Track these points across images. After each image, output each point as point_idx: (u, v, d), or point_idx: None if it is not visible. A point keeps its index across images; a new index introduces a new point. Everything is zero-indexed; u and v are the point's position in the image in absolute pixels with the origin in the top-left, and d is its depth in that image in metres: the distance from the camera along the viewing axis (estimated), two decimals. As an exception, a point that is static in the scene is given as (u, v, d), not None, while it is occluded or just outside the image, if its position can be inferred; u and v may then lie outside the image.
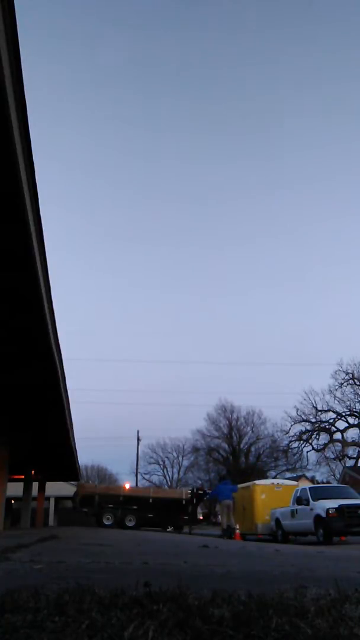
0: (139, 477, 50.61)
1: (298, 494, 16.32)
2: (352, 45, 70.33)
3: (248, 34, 71.59)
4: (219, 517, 26.16)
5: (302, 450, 44.87)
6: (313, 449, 44.22)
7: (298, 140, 78.56)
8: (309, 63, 74.03)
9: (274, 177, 79.93)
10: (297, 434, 44.19)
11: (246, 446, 50.89)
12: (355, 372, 42.12)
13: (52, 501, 42.25)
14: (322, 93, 73.89)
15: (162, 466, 60.63)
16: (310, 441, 44.08)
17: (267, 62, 73.83)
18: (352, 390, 42.28)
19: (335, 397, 42.87)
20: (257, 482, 21.50)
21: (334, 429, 43.50)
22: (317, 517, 14.09)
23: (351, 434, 42.91)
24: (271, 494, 19.78)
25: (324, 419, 43.73)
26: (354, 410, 42.32)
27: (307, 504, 15.01)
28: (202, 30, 73.12)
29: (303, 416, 44.00)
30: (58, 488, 38.84)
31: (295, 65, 74.33)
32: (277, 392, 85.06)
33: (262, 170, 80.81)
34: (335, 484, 37.69)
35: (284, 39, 71.85)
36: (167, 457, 60.68)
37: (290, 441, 44.62)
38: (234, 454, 50.44)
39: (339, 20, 68.19)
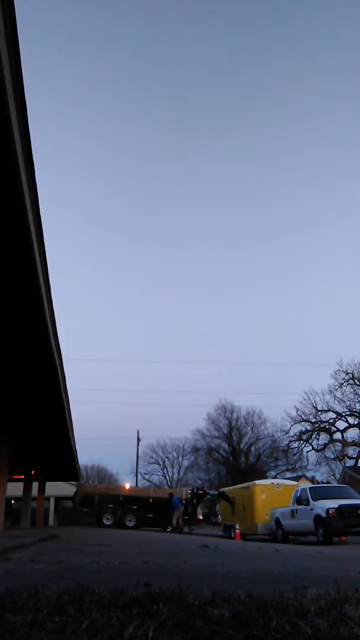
0: (139, 477, 50.60)
1: (298, 494, 16.32)
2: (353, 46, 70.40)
3: (250, 35, 71.68)
4: (219, 517, 26.45)
5: (302, 450, 44.86)
6: (313, 449, 44.20)
7: (298, 144, 78.63)
8: (311, 65, 74.09)
9: (275, 178, 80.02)
10: (297, 434, 44.15)
11: (246, 446, 50.87)
12: (355, 372, 42.07)
13: (52, 501, 42.25)
14: (325, 95, 73.97)
15: (162, 466, 60.63)
16: (310, 441, 44.04)
17: (271, 63, 73.90)
18: (352, 390, 42.23)
19: (335, 397, 42.83)
20: (257, 482, 21.49)
21: (334, 429, 43.46)
22: (317, 517, 14.09)
23: (351, 434, 42.90)
24: (271, 494, 19.78)
25: (324, 419, 43.69)
26: (354, 410, 42.28)
27: (307, 504, 15.01)
28: (204, 29, 73.17)
29: (303, 416, 43.98)
30: (58, 488, 38.84)
31: (297, 67, 74.39)
32: (277, 392, 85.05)
33: (264, 172, 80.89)
34: (335, 484, 37.70)
35: (286, 40, 71.90)
36: (167, 457, 60.68)
37: (290, 441, 44.60)
38: (234, 454, 50.41)
39: (338, 21, 68.27)
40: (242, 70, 74.91)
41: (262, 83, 75.73)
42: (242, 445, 50.69)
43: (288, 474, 46.31)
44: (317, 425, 43.76)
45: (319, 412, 43.46)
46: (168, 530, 24.18)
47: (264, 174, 79.73)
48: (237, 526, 20.31)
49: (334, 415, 43.18)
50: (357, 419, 42.34)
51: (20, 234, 6.07)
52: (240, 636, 1.76)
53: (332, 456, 43.90)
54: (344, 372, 42.20)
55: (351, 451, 42.99)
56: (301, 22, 69.94)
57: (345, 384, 42.32)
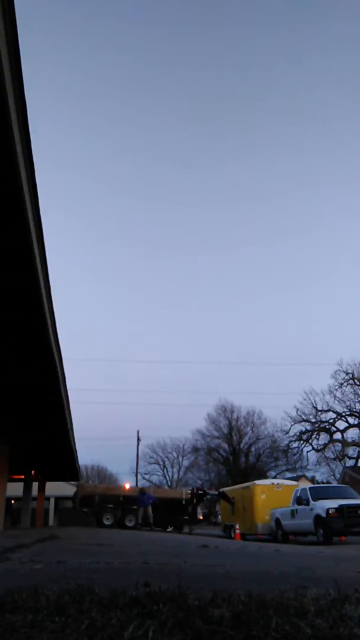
0: (139, 477, 50.57)
1: (298, 494, 16.32)
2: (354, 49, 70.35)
3: (250, 39, 71.64)
4: (219, 517, 26.30)
5: (302, 450, 44.83)
6: (313, 449, 44.16)
7: (298, 144, 78.61)
8: (312, 67, 74.07)
9: (277, 180, 80.00)
10: (297, 434, 44.13)
11: (246, 446, 50.86)
12: (355, 372, 42.03)
13: (52, 501, 42.23)
14: (326, 96, 73.95)
15: (162, 466, 60.61)
16: (310, 441, 44.01)
17: (276, 64, 73.87)
18: (352, 390, 42.20)
19: (335, 397, 42.80)
20: (257, 482, 21.49)
21: (334, 429, 43.43)
22: (317, 517, 14.09)
23: (351, 434, 42.87)
24: (271, 494, 19.78)
25: (324, 419, 43.67)
26: (354, 410, 42.25)
27: (307, 504, 15.01)
28: (204, 32, 73.16)
29: (303, 416, 43.95)
30: (58, 488, 38.81)
31: (298, 68, 74.38)
32: (277, 392, 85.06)
33: (265, 174, 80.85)
34: (335, 484, 37.69)
35: (286, 42, 71.90)
36: (167, 457, 60.67)
37: (290, 441, 44.57)
38: (234, 454, 50.39)
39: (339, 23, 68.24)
40: (246, 71, 74.94)
41: (266, 85, 75.77)
42: (242, 445, 50.69)
43: (288, 474, 46.33)
44: (317, 425, 43.74)
45: (319, 412, 43.46)
46: (168, 530, 24.18)
47: (265, 177, 79.76)
48: (237, 526, 20.31)
49: (334, 415, 43.19)
50: (357, 419, 42.32)
51: (21, 234, 6.08)
52: (240, 636, 1.77)
53: (332, 456, 43.92)
54: (344, 372, 42.22)
55: (351, 451, 42.97)
56: (306, 24, 69.98)
57: (345, 384, 42.32)
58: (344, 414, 42.73)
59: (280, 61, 72.90)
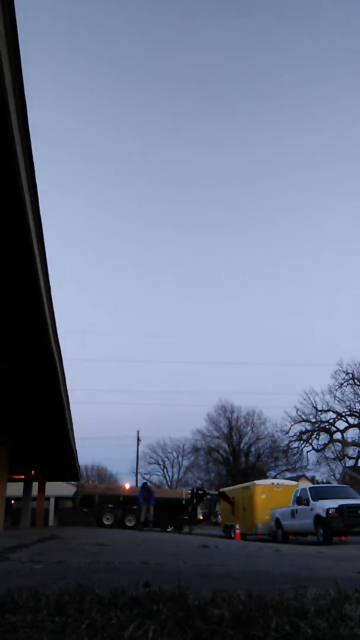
0: (139, 477, 50.58)
1: (298, 494, 16.32)
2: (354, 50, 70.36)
3: (252, 18, 71.66)
4: (219, 517, 26.21)
5: (302, 450, 44.80)
6: (313, 449, 44.14)
7: (301, 140, 78.64)
8: (312, 67, 74.07)
9: (278, 179, 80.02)
10: (297, 434, 44.11)
11: (246, 446, 50.86)
12: (355, 372, 42.00)
13: (52, 501, 42.25)
14: (326, 90, 73.96)
15: (162, 466, 60.68)
16: (310, 441, 43.99)
17: (273, 47, 73.87)
18: (352, 390, 42.17)
19: (335, 397, 42.77)
20: (257, 482, 21.50)
21: (334, 429, 43.41)
22: (317, 517, 14.09)
23: (351, 434, 42.84)
24: (271, 494, 19.79)
25: (324, 419, 43.65)
26: (354, 410, 42.23)
27: (307, 504, 15.01)
28: (202, 27, 73.18)
29: (303, 416, 43.93)
30: (58, 488, 38.83)
31: (300, 50, 74.37)
32: (277, 392, 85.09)
33: (266, 172, 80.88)
34: (335, 484, 37.70)
35: (289, 23, 71.90)
36: (167, 457, 60.74)
37: (290, 441, 44.55)
38: (234, 454, 50.39)
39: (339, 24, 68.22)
40: (243, 54, 74.94)
41: (262, 68, 75.77)
42: (242, 445, 50.69)
43: (288, 474, 46.32)
44: (317, 425, 43.72)
45: (319, 412, 43.43)
46: (168, 530, 24.17)
47: (266, 176, 79.74)
48: (237, 526, 20.31)
49: (334, 415, 43.17)
50: (357, 419, 42.30)
51: (20, 234, 6.08)
52: (240, 636, 1.77)
53: (332, 456, 43.89)
54: (344, 372, 42.18)
55: (351, 451, 42.96)
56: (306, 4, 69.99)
57: (345, 384, 42.29)
58: (344, 414, 42.73)
59: (281, 42, 72.98)
